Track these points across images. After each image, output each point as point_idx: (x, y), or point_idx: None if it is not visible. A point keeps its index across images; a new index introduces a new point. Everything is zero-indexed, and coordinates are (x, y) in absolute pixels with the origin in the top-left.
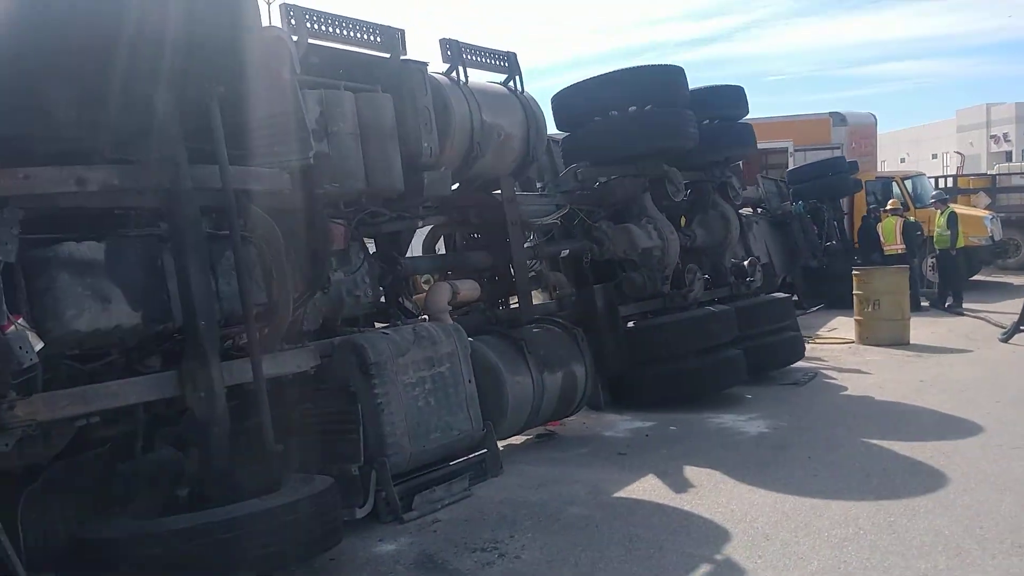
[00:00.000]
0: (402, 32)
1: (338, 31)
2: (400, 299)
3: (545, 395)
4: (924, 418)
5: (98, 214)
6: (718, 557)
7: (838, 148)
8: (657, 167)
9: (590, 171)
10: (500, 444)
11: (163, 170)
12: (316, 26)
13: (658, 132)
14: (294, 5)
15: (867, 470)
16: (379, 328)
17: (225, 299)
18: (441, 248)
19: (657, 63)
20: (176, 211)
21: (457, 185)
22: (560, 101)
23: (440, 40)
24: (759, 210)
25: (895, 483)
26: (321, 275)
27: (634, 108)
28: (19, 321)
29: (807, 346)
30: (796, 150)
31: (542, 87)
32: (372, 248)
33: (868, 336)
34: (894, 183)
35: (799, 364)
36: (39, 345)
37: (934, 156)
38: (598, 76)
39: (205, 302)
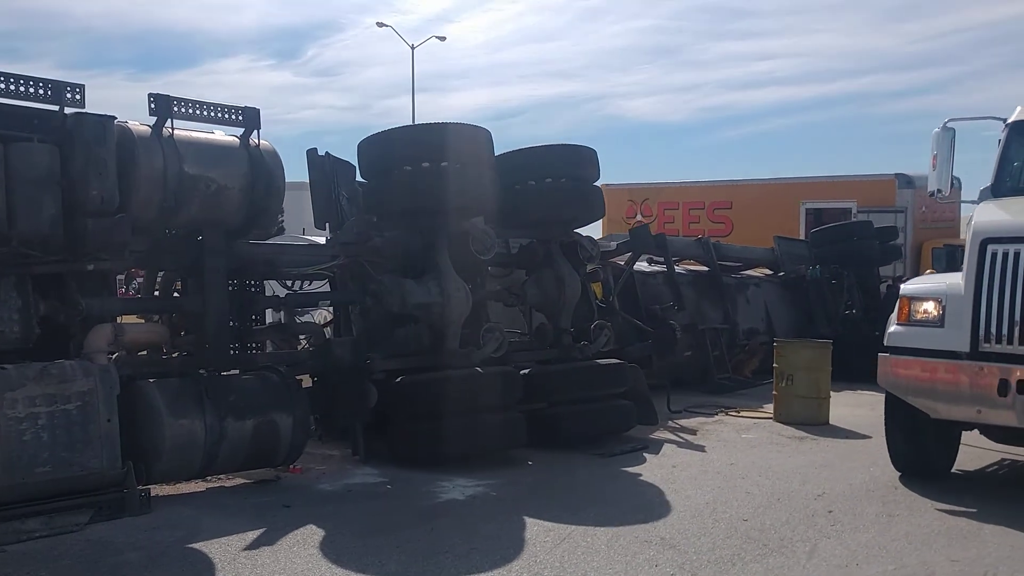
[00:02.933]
0: (80, 87)
1: None
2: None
3: (224, 441)
4: (624, 505)
5: None
6: None
7: (902, 211)
8: (455, 223)
9: (366, 223)
10: (205, 485)
11: None
12: None
13: (443, 189)
14: None
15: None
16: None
17: None
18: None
19: (464, 122)
20: None
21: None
22: (362, 149)
23: (148, 94)
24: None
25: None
26: None
27: (424, 165)
28: None
29: (716, 418)
30: (859, 211)
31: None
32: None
33: (782, 413)
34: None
35: (656, 435)
36: None
37: None
38: (400, 127)
39: None
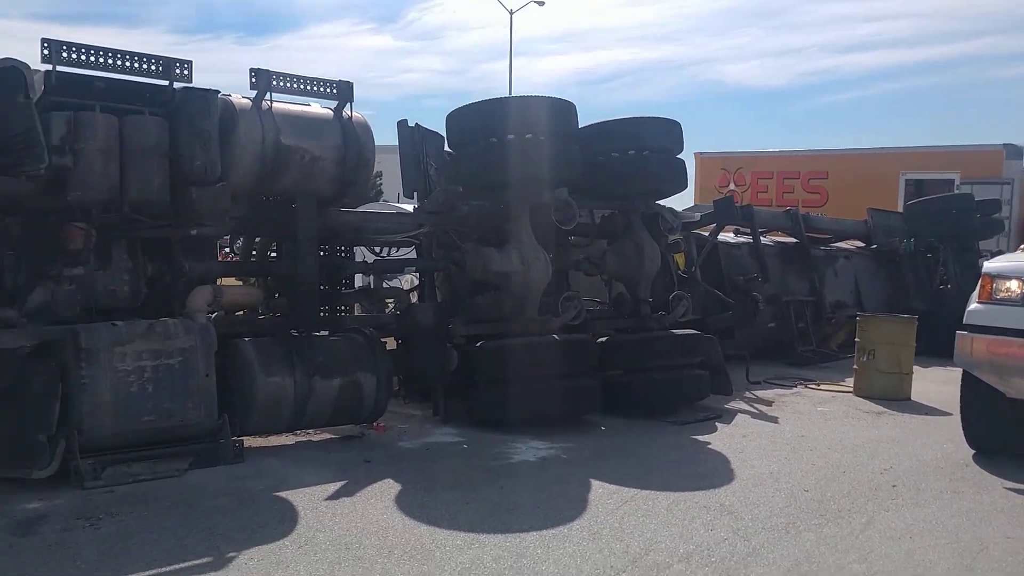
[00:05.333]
0: (188, 63)
1: (104, 61)
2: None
3: (312, 398)
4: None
5: None
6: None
7: (1008, 184)
8: (536, 194)
9: (452, 194)
10: (294, 439)
11: None
12: (79, 57)
13: (527, 161)
14: (51, 40)
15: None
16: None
17: None
18: None
19: (547, 95)
20: None
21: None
22: (450, 121)
23: (249, 69)
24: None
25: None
26: (47, 267)
27: (509, 137)
28: None
29: (794, 390)
30: (963, 183)
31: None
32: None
33: (862, 387)
34: None
35: (731, 405)
36: None
37: None
38: (486, 100)
39: None
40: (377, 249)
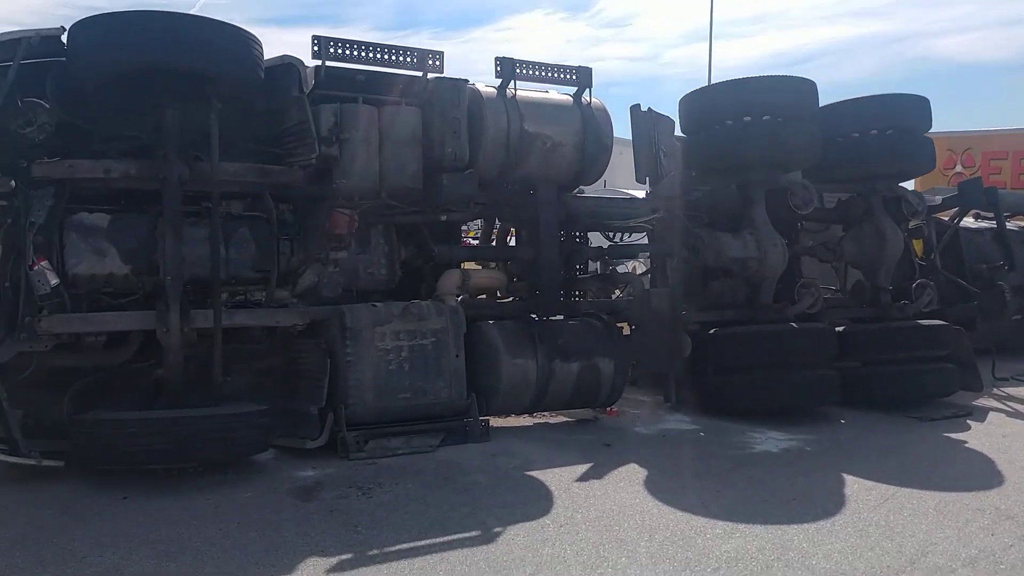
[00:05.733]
0: (439, 54)
1: (366, 55)
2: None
3: (553, 381)
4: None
5: (132, 194)
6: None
7: None
8: (772, 179)
9: (686, 178)
10: (532, 420)
11: (160, 165)
12: (344, 52)
13: (766, 144)
14: (320, 36)
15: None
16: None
17: (233, 264)
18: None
19: (785, 74)
20: (164, 195)
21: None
22: (684, 104)
23: (495, 58)
24: None
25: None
26: (316, 251)
27: (748, 118)
28: (42, 263)
29: None
30: None
31: None
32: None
33: None
34: None
35: (980, 402)
36: (55, 280)
37: None
38: (723, 82)
39: (173, 263)
40: (610, 235)
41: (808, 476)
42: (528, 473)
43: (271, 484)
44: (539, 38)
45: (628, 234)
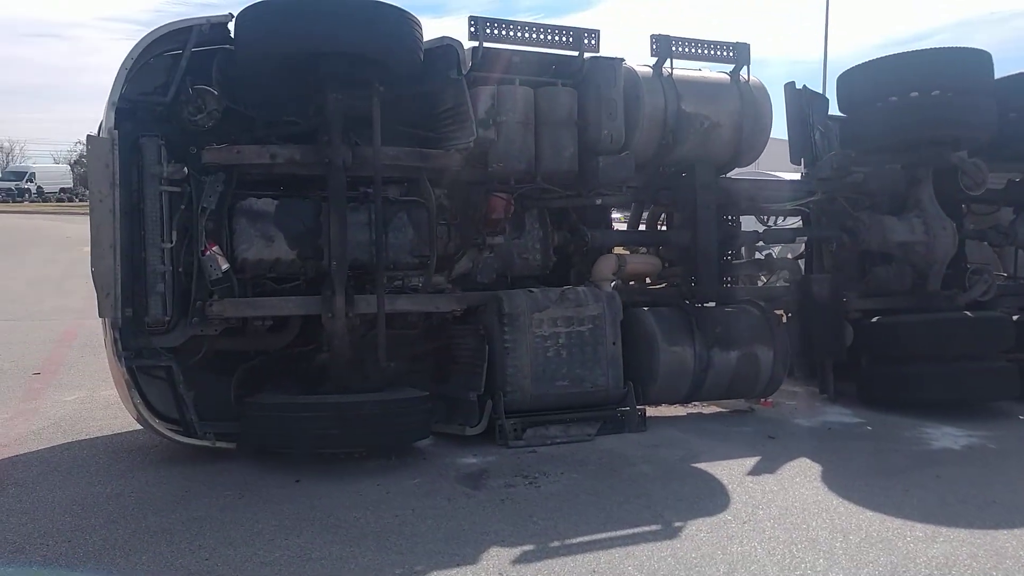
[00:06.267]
0: (595, 32)
1: (522, 35)
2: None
3: (710, 370)
4: None
5: (290, 179)
6: (686, 520)
7: None
8: (941, 157)
9: (846, 158)
10: (685, 410)
11: (324, 150)
12: (500, 32)
13: (935, 121)
14: (478, 17)
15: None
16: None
17: (392, 249)
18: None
19: (955, 46)
20: (329, 180)
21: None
22: (842, 81)
23: (650, 36)
24: None
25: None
26: (472, 236)
27: (915, 94)
28: (213, 248)
29: None
30: None
31: None
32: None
33: None
34: None
35: None
36: (225, 265)
37: None
38: (885, 57)
39: (339, 249)
40: (764, 218)
41: (1002, 475)
42: (695, 465)
43: (437, 470)
44: (641, 18)
45: (779, 219)
